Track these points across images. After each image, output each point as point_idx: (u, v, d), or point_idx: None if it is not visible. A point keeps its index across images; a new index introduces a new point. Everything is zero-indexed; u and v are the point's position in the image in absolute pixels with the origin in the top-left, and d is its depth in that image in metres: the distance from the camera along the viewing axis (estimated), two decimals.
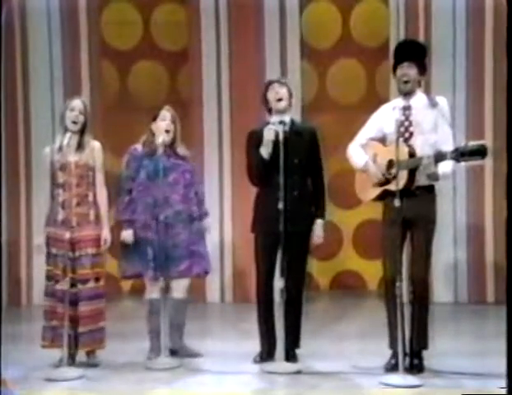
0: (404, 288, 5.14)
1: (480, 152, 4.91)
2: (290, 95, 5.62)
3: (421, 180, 5.19)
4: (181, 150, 5.78)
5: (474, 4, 8.29)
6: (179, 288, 5.70)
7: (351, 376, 5.25)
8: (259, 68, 8.55)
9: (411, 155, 5.16)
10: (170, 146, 5.70)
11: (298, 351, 5.55)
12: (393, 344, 5.26)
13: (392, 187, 5.17)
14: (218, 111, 8.68)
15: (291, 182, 5.42)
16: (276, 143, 5.40)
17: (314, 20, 9.28)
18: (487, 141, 5.31)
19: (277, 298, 5.48)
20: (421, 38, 8.10)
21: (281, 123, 5.48)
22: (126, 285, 9.06)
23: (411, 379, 4.96)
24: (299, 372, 5.28)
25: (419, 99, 5.33)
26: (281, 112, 5.56)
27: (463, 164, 5.06)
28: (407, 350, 5.23)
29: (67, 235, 5.36)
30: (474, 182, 8.35)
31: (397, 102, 5.37)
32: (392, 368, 5.18)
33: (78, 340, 5.44)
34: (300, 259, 5.53)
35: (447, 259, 8.38)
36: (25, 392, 4.86)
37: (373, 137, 5.44)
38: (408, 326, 5.26)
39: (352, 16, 9.45)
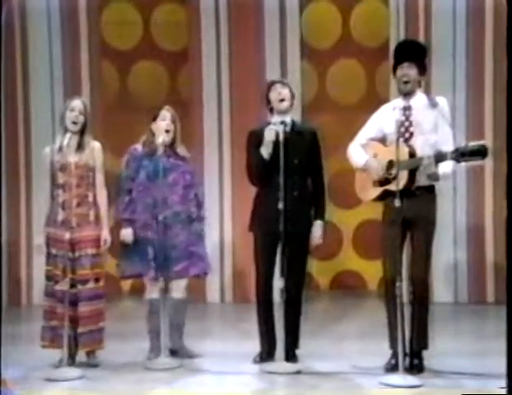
0: (404, 288, 5.14)
1: (480, 152, 4.91)
2: (292, 96, 5.63)
3: (422, 180, 5.19)
4: (181, 150, 5.77)
5: (474, 4, 8.29)
6: (178, 288, 5.69)
7: (351, 376, 5.25)
8: (259, 68, 8.55)
9: (412, 155, 5.16)
10: (170, 146, 5.70)
11: (298, 351, 5.55)
12: (393, 344, 5.26)
13: (392, 187, 5.17)
14: (218, 111, 8.68)
15: (291, 182, 5.42)
16: (276, 143, 5.40)
17: (314, 20, 9.28)
18: (487, 141, 5.30)
19: (277, 298, 5.48)
20: (421, 38, 8.10)
21: (282, 123, 5.48)
22: (126, 285, 9.06)
23: (411, 379, 4.96)
24: (299, 372, 5.28)
25: (419, 99, 5.33)
26: (283, 112, 5.56)
27: (463, 164, 5.06)
28: (407, 350, 5.23)
29: (67, 236, 5.36)
30: (474, 182, 8.35)
31: (398, 102, 5.37)
32: (392, 368, 5.18)
33: (78, 340, 5.44)
34: (299, 260, 5.53)
35: (447, 259, 8.38)
36: (25, 392, 4.86)
37: (373, 137, 5.44)
38: (408, 326, 5.26)
39: (352, 16, 9.46)
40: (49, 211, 5.53)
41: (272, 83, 5.66)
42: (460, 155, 4.94)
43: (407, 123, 5.27)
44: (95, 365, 5.51)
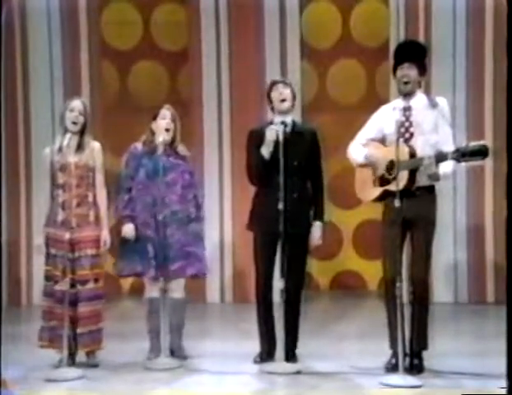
0: (404, 288, 5.14)
1: (481, 152, 4.91)
2: (294, 97, 5.63)
3: (422, 181, 5.19)
4: (182, 149, 5.77)
5: (474, 4, 8.30)
6: (177, 288, 5.68)
7: (351, 376, 5.25)
8: (259, 68, 8.55)
9: (412, 155, 5.16)
10: (171, 145, 5.70)
11: (298, 352, 5.55)
12: (393, 344, 5.26)
13: (392, 187, 5.17)
14: (218, 111, 8.68)
15: (291, 183, 5.42)
16: (276, 144, 5.40)
17: (314, 20, 9.28)
18: (487, 141, 5.30)
19: (277, 298, 5.48)
20: (421, 38, 8.10)
21: (283, 123, 5.48)
22: (126, 285, 9.07)
23: (411, 380, 4.96)
24: (299, 372, 5.28)
25: (419, 99, 5.33)
26: (284, 113, 5.56)
27: (463, 164, 5.06)
28: (407, 350, 5.23)
29: (67, 236, 5.36)
30: (474, 182, 8.35)
31: (398, 103, 5.37)
32: (392, 368, 5.18)
33: (78, 340, 5.44)
34: (299, 260, 5.52)
35: (447, 259, 8.38)
36: (25, 393, 4.86)
37: (373, 137, 5.43)
38: (408, 326, 5.26)
39: (352, 16, 9.46)
40: (49, 212, 5.53)
41: (274, 83, 5.66)
42: (461, 155, 4.94)
43: (407, 124, 5.27)
44: (95, 365, 5.51)
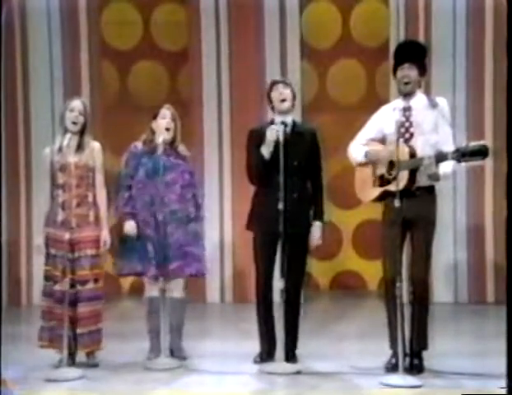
0: (404, 288, 5.14)
1: (481, 152, 4.91)
2: (294, 97, 5.62)
3: (422, 181, 5.19)
4: (182, 149, 5.77)
5: (474, 4, 8.30)
6: (177, 288, 5.68)
7: (351, 376, 5.25)
8: (259, 68, 8.55)
9: (412, 155, 5.16)
10: (171, 145, 5.70)
11: (298, 352, 5.54)
12: (393, 344, 5.26)
13: (392, 187, 5.17)
14: (218, 111, 8.68)
15: (291, 183, 5.42)
16: (276, 144, 5.40)
17: (314, 20, 9.28)
18: (487, 141, 5.30)
19: (277, 298, 5.48)
20: (421, 38, 8.10)
21: (283, 123, 5.48)
22: (125, 285, 9.08)
23: (411, 380, 4.96)
24: (298, 372, 5.28)
25: (419, 99, 5.33)
26: (284, 113, 5.56)
27: (463, 164, 5.06)
28: (407, 350, 5.23)
29: (67, 236, 5.35)
30: (474, 182, 8.35)
31: (398, 103, 5.37)
32: (392, 367, 5.18)
33: (78, 341, 5.44)
34: (299, 260, 5.52)
35: (447, 259, 8.38)
36: (25, 393, 4.86)
37: (373, 137, 5.43)
38: (408, 326, 5.26)
39: (352, 16, 9.46)
40: (49, 212, 5.53)
41: (275, 83, 5.66)
42: (461, 155, 4.94)
43: (407, 124, 5.27)
44: (95, 365, 5.51)
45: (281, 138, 5.38)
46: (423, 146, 5.21)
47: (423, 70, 5.38)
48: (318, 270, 9.46)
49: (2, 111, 8.16)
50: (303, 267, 5.59)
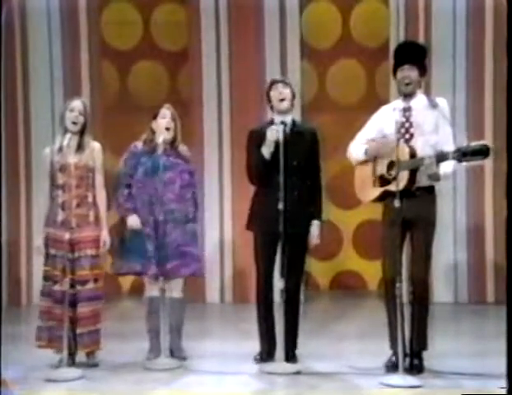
0: (404, 288, 5.15)
1: (482, 152, 4.91)
2: (293, 96, 5.62)
3: (422, 181, 5.19)
4: (183, 149, 5.77)
5: (474, 4, 8.30)
6: (176, 288, 5.67)
7: (351, 376, 5.25)
8: (259, 68, 8.55)
9: (412, 155, 5.16)
10: (171, 145, 5.70)
11: (298, 352, 5.54)
12: (393, 344, 5.26)
13: (392, 187, 5.17)
14: (218, 111, 8.68)
15: (291, 183, 5.41)
16: (276, 143, 5.40)
17: (314, 20, 9.28)
18: (487, 141, 5.30)
19: (277, 298, 5.48)
20: (421, 38, 8.11)
21: (283, 123, 5.48)
22: (125, 285, 9.08)
23: (411, 380, 4.96)
24: (298, 372, 5.28)
25: (419, 100, 5.33)
26: (283, 112, 5.56)
27: (463, 164, 5.06)
28: (407, 350, 5.23)
29: (67, 236, 5.35)
30: (474, 182, 8.35)
31: (398, 103, 5.37)
32: (392, 366, 5.18)
33: (77, 341, 5.44)
34: (298, 259, 5.53)
35: (447, 259, 8.38)
36: (25, 393, 4.86)
37: (373, 138, 5.43)
38: (408, 326, 5.26)
39: (352, 16, 9.46)
40: (49, 212, 5.52)
41: (274, 82, 5.66)
42: (462, 154, 4.94)
43: (407, 125, 5.27)
44: (95, 365, 5.52)
45: (281, 138, 5.38)
46: (423, 146, 5.21)
47: (423, 70, 5.38)
48: (318, 270, 9.46)
49: (2, 111, 8.15)
50: (302, 267, 5.59)
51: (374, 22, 9.17)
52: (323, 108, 9.34)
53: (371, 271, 8.99)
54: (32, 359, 5.61)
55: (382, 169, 5.30)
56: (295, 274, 5.49)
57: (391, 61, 5.59)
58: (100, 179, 5.57)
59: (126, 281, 8.93)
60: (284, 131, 5.42)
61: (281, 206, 5.32)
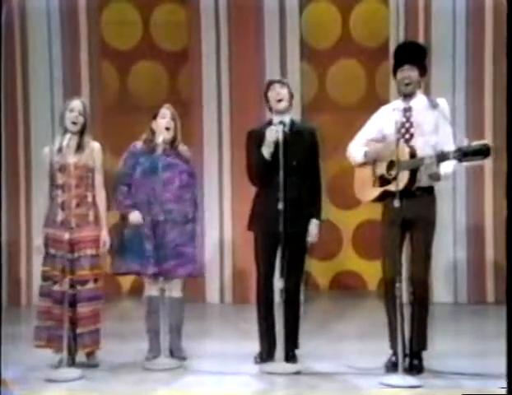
0: (404, 288, 5.15)
1: (483, 152, 4.92)
2: (291, 96, 5.63)
3: (422, 181, 5.19)
4: (183, 149, 5.77)
5: (474, 4, 8.30)
6: (175, 288, 5.67)
7: (351, 376, 5.25)
8: (259, 69, 8.55)
9: (413, 155, 5.16)
10: (171, 145, 5.70)
11: (298, 352, 5.54)
12: (393, 344, 5.26)
13: (392, 187, 5.17)
14: (218, 111, 8.68)
15: (290, 183, 5.42)
16: (276, 144, 5.40)
17: (314, 20, 9.28)
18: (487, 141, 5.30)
19: (277, 298, 5.48)
20: (421, 38, 8.11)
21: (281, 123, 5.48)
22: (125, 285, 9.08)
23: (411, 380, 4.96)
24: (298, 372, 5.28)
25: (419, 100, 5.33)
26: (281, 112, 5.56)
27: (464, 164, 5.06)
28: (407, 350, 5.23)
29: (67, 236, 5.35)
30: (474, 182, 8.35)
31: (398, 103, 5.36)
32: (392, 366, 5.18)
33: (77, 341, 5.44)
34: (298, 259, 5.53)
35: (447, 259, 8.38)
36: (25, 393, 4.87)
37: (373, 138, 5.43)
38: (408, 326, 5.26)
39: (352, 16, 9.46)
40: (48, 212, 5.52)
41: (271, 83, 5.66)
42: (463, 154, 4.94)
43: (407, 125, 5.27)
44: (95, 366, 5.52)
45: (281, 138, 5.38)
46: (423, 146, 5.21)
47: (423, 70, 5.38)
48: (318, 270, 9.46)
49: (2, 111, 8.16)
50: (302, 266, 5.59)
51: (374, 22, 9.17)
52: (323, 108, 9.34)
53: (371, 272, 8.99)
54: (32, 359, 5.60)
55: (382, 169, 5.30)
56: (295, 274, 5.49)
57: (391, 61, 5.59)
58: (99, 179, 5.57)
59: (126, 281, 8.94)
60: (283, 131, 5.42)
61: (280, 206, 5.32)
